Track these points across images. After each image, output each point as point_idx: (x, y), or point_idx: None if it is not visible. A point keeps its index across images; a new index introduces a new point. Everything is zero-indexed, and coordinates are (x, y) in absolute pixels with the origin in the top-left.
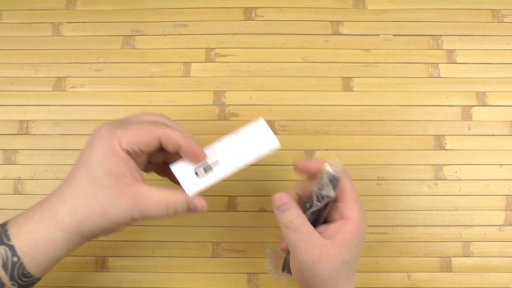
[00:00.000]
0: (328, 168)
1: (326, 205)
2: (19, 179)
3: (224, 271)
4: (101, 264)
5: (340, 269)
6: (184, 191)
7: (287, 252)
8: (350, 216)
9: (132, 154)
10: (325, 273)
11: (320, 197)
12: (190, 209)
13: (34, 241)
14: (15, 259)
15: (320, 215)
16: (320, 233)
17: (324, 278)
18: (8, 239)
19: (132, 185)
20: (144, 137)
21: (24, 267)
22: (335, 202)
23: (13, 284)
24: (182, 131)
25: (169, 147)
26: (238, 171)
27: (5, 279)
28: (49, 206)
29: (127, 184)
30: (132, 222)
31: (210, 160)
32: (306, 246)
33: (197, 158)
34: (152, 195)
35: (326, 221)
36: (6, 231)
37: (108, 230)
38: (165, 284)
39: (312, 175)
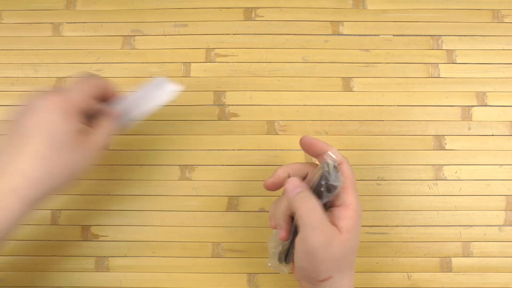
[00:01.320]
0: (332, 155)
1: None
2: None
3: (224, 271)
4: (101, 264)
5: (349, 255)
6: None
7: (289, 241)
8: (350, 202)
9: (82, 113)
10: (335, 257)
11: (331, 188)
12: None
13: None
14: None
15: (327, 204)
16: None
17: (334, 264)
18: None
19: (83, 137)
20: (90, 89)
21: None
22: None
23: None
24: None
25: (107, 94)
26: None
27: None
28: (8, 185)
29: (80, 139)
30: (88, 165)
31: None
32: (320, 228)
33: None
34: (94, 135)
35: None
36: None
37: (64, 183)
38: (165, 284)
39: (315, 155)
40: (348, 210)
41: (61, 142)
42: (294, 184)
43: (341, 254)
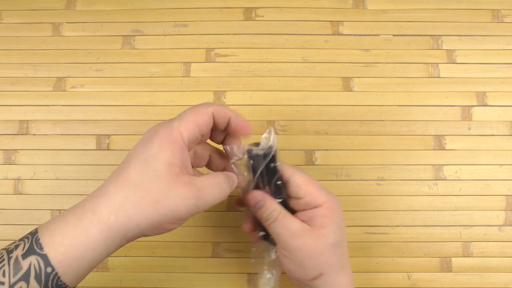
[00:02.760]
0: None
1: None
2: (19, 179)
3: (224, 271)
4: (101, 264)
5: (331, 251)
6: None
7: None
8: (322, 202)
9: (191, 145)
10: (316, 252)
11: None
12: (232, 183)
13: (69, 247)
14: (48, 269)
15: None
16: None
17: (318, 260)
18: (41, 247)
19: (184, 175)
20: (201, 118)
21: (59, 277)
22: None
23: None
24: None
25: (221, 122)
26: None
27: None
28: (89, 205)
29: (179, 174)
30: (186, 214)
31: None
32: (288, 230)
33: (246, 130)
34: (203, 180)
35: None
36: (37, 239)
37: (157, 227)
38: (165, 284)
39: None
40: (321, 209)
41: (155, 170)
42: (254, 200)
43: (321, 248)
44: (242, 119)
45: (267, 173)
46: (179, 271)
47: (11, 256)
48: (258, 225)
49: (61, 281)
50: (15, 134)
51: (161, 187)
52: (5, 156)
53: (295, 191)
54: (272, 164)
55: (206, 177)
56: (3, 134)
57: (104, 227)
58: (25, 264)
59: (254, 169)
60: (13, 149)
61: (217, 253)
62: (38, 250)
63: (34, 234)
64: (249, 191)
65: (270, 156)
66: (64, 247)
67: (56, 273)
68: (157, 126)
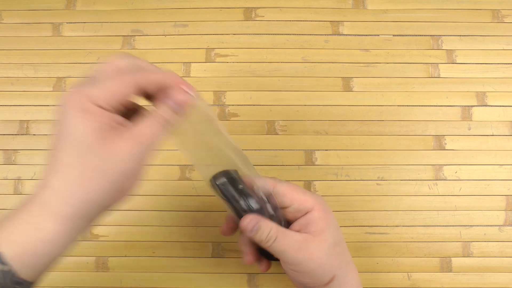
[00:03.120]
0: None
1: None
2: (19, 179)
3: (224, 271)
4: (101, 264)
5: (335, 251)
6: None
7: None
8: (311, 207)
9: (111, 111)
10: (325, 258)
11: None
12: (175, 109)
13: (26, 244)
14: (5, 268)
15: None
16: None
17: (328, 264)
18: None
19: (117, 130)
20: (121, 89)
21: (14, 274)
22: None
23: None
24: (161, 71)
25: (152, 90)
26: None
27: None
28: (38, 199)
29: (111, 132)
30: (138, 166)
31: None
32: (291, 246)
33: (190, 89)
34: (138, 123)
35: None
36: None
37: (116, 194)
38: (165, 284)
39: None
40: (314, 213)
41: (83, 144)
42: (250, 226)
43: (326, 251)
44: (180, 79)
45: (241, 195)
46: (179, 271)
47: None
48: (259, 249)
49: (19, 277)
50: (15, 134)
51: (98, 156)
52: (5, 156)
53: (280, 200)
54: (241, 186)
55: (141, 120)
56: (3, 134)
57: (60, 219)
58: None
59: (226, 197)
60: (13, 149)
61: (217, 253)
62: None
63: None
64: (233, 216)
65: (234, 179)
66: (20, 244)
67: (11, 270)
68: (69, 96)
